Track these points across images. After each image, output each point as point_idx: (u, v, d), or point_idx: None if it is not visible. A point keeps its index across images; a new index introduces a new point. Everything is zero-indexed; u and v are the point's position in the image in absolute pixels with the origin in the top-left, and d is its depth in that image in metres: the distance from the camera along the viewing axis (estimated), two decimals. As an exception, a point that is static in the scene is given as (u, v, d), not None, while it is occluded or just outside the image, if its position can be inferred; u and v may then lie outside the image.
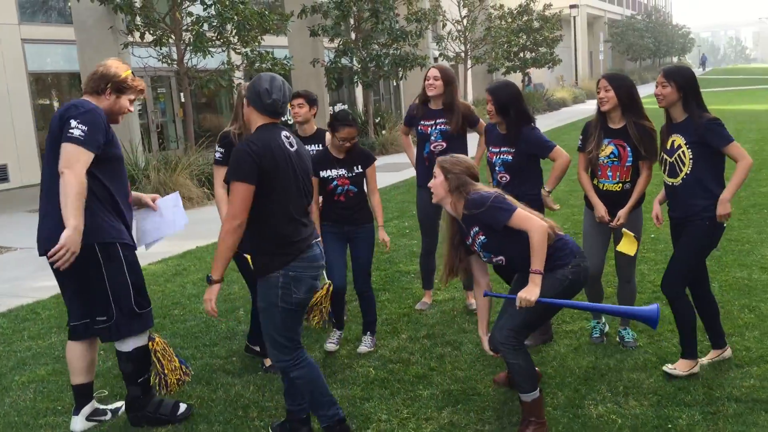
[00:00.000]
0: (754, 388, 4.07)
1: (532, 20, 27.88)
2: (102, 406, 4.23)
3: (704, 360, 4.42)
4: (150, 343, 4.01)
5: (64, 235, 3.52)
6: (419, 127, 5.45)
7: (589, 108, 29.97)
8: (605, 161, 4.57)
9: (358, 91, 23.00)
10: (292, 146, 3.53)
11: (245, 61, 13.30)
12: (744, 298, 5.57)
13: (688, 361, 4.28)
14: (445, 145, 5.37)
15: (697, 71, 69.70)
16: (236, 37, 12.85)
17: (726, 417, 3.78)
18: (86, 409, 4.10)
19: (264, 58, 13.02)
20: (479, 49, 24.75)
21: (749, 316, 5.19)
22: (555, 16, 29.08)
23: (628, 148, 4.51)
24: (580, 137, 4.76)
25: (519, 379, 3.72)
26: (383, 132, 18.64)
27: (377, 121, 19.25)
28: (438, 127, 5.41)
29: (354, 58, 17.42)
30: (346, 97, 24.23)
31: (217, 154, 4.47)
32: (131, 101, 3.95)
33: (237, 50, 13.35)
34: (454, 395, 4.23)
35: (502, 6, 26.77)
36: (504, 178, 4.81)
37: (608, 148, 4.55)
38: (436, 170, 3.88)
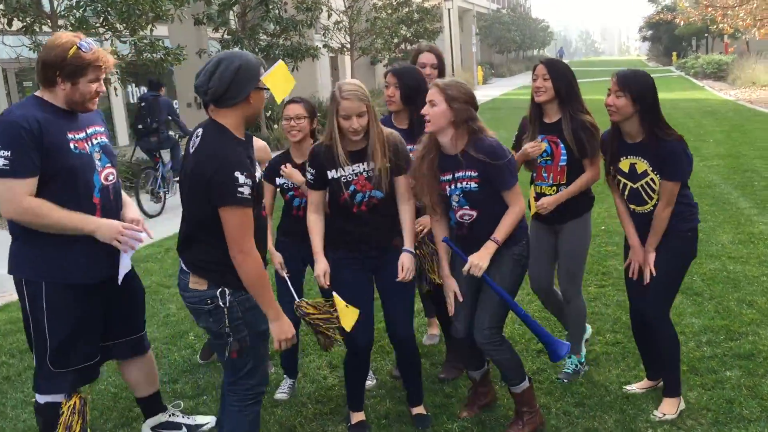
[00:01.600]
0: (807, 394, 3.77)
1: (412, 12, 27.74)
2: (179, 419, 3.77)
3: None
4: (63, 401, 3.21)
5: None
6: None
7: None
8: (540, 161, 3.95)
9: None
10: (192, 147, 2.88)
11: (132, 50, 12.12)
12: (734, 291, 5.35)
13: (673, 400, 3.66)
14: None
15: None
16: (123, 24, 11.63)
17: (796, 431, 3.44)
18: (150, 421, 3.72)
19: (156, 47, 11.89)
20: (365, 40, 24.26)
21: (750, 311, 4.94)
22: (434, 7, 29.11)
23: (562, 146, 3.88)
24: (515, 134, 4.15)
25: (509, 372, 3.54)
26: (275, 126, 17.74)
27: (268, 114, 18.33)
28: None
29: (244, 49, 16.44)
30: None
31: (308, 175, 3.59)
32: (95, 80, 3.09)
33: (122, 38, 12.13)
34: (489, 426, 3.66)
35: (385, -4, 26.40)
36: None
37: (542, 146, 3.92)
38: (435, 95, 3.35)
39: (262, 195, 3.04)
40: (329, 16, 22.36)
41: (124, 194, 3.39)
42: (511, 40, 52.15)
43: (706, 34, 44.79)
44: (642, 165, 3.56)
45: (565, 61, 4.64)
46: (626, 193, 3.68)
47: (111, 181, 3.25)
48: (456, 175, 3.41)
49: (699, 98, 24.29)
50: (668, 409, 3.65)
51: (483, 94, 32.62)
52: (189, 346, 4.95)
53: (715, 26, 27.02)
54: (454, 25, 42.44)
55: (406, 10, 27.55)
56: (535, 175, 4.06)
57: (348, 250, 3.53)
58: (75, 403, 3.21)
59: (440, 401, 3.96)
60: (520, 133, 4.10)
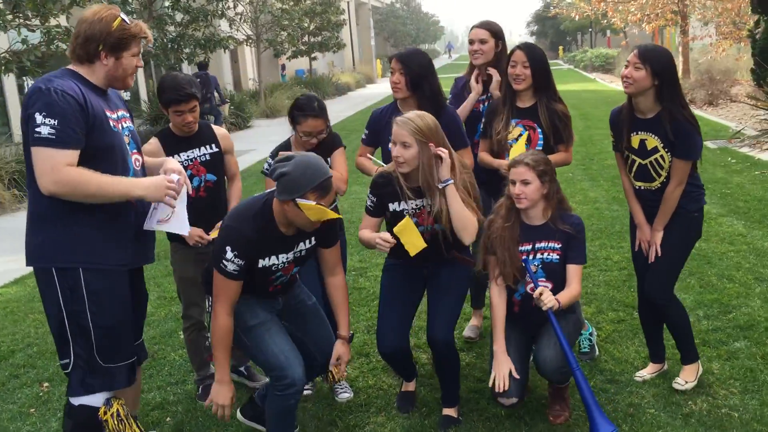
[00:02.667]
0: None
1: (315, 4, 27.49)
2: None
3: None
4: (102, 409, 2.92)
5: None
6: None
7: (371, 92, 30.34)
8: (513, 143, 3.91)
9: (140, 78, 21.04)
10: None
11: (44, 39, 11.36)
12: (710, 267, 5.54)
13: (692, 366, 3.79)
14: None
15: (445, 58, 74.10)
16: (35, 12, 10.86)
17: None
18: None
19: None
20: (271, 32, 23.84)
21: (733, 285, 5.15)
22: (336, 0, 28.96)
23: (539, 130, 3.89)
24: (483, 121, 4.14)
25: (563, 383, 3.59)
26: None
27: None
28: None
29: (155, 41, 15.78)
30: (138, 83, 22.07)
31: (368, 202, 3.51)
32: (137, 54, 2.90)
33: (30, 27, 11.36)
34: (533, 407, 3.65)
35: (289, -11, 25.98)
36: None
37: (516, 130, 3.91)
38: (526, 173, 3.37)
39: (269, 279, 3.13)
40: (235, 6, 21.86)
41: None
42: (406, 34, 52.71)
43: (590, 29, 46.79)
44: (653, 141, 3.56)
45: (455, 55, 4.45)
46: (634, 169, 3.68)
47: (139, 167, 3.05)
48: (537, 245, 3.43)
49: (593, 89, 25.40)
50: (689, 376, 3.76)
51: (385, 87, 32.82)
52: (182, 346, 4.68)
53: (605, 20, 28.19)
54: (352, 19, 42.48)
55: (309, 2, 27.28)
56: (507, 156, 3.92)
57: (405, 260, 3.44)
58: (118, 410, 2.94)
59: (474, 386, 3.91)
60: (490, 118, 4.06)
